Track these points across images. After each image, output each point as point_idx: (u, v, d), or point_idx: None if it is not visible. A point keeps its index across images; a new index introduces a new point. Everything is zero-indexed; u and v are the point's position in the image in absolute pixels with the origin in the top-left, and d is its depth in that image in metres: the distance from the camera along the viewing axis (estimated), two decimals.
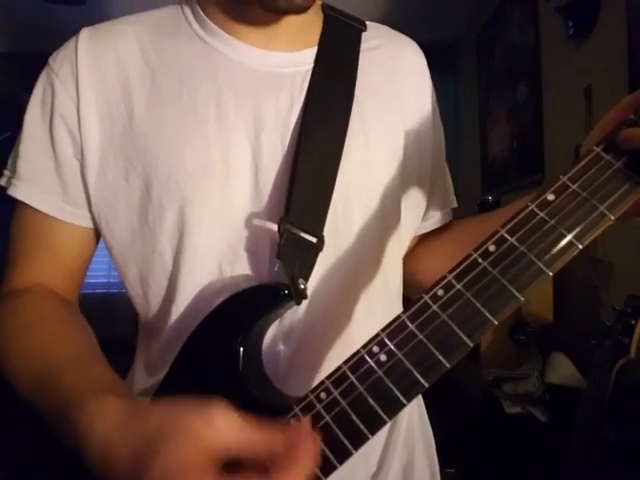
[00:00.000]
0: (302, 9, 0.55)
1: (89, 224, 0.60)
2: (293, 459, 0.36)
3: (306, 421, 0.40)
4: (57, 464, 0.55)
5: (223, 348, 0.49)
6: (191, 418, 0.37)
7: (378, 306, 0.61)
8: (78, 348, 0.52)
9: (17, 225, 0.61)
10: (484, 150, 2.85)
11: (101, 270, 3.12)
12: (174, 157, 0.55)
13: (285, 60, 0.59)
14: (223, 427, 0.37)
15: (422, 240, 0.72)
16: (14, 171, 0.59)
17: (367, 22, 0.67)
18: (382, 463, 0.62)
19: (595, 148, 0.42)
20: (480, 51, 2.91)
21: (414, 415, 0.67)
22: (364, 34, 0.65)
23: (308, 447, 0.37)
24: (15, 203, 0.60)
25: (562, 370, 1.65)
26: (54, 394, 0.46)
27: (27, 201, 0.58)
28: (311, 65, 0.59)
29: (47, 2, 2.58)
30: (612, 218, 0.40)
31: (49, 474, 0.57)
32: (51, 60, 0.59)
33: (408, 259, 0.70)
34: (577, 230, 0.40)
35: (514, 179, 2.45)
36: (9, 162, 0.60)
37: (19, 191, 0.59)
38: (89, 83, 0.57)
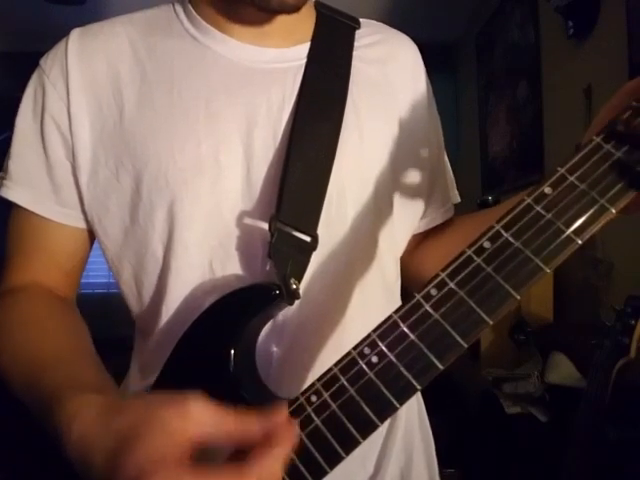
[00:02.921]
0: (295, 9, 0.55)
1: (82, 225, 0.60)
2: (269, 444, 0.36)
3: (282, 407, 0.39)
4: (56, 465, 0.55)
5: (214, 350, 0.48)
6: (164, 411, 0.37)
7: (373, 304, 0.60)
8: (66, 346, 0.52)
9: (12, 226, 0.61)
10: (484, 150, 2.85)
11: (101, 270, 3.11)
12: (164, 154, 0.54)
13: (277, 56, 0.59)
14: (197, 418, 0.37)
15: (426, 237, 0.72)
16: (7, 172, 0.59)
17: (361, 19, 0.66)
18: (379, 466, 0.61)
19: (595, 138, 0.39)
20: (480, 51, 2.91)
21: (413, 417, 0.66)
22: (358, 31, 0.64)
23: (284, 432, 0.37)
24: (11, 203, 0.60)
25: (562, 370, 1.65)
26: (38, 392, 0.46)
27: (19, 203, 0.59)
28: (303, 61, 0.59)
29: (47, 2, 2.58)
30: (613, 211, 0.38)
31: (49, 475, 0.57)
32: (42, 61, 0.59)
33: (413, 256, 0.70)
34: (576, 225, 0.38)
35: (514, 179, 2.45)
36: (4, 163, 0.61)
37: (11, 192, 0.59)
38: (79, 83, 0.57)
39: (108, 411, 0.40)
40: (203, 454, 0.37)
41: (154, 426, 0.36)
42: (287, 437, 0.37)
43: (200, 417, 0.37)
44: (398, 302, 0.67)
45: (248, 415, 0.38)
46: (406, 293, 0.67)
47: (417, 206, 0.67)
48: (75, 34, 0.59)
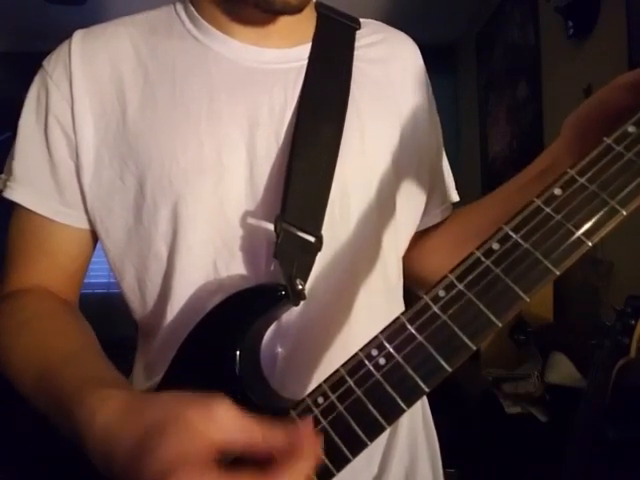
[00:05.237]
0: (297, 10, 0.55)
1: (85, 225, 0.60)
2: (294, 456, 0.35)
3: (308, 421, 0.39)
4: (58, 465, 0.55)
5: (219, 350, 0.48)
6: (191, 412, 0.37)
7: (378, 304, 0.61)
8: (78, 344, 0.52)
9: (15, 227, 0.61)
10: (484, 150, 2.85)
11: (101, 270, 3.11)
12: (167, 155, 0.54)
13: (278, 56, 0.59)
14: (223, 423, 0.37)
15: (424, 235, 0.72)
16: (10, 173, 0.59)
17: (361, 19, 0.66)
18: (384, 465, 0.61)
19: (605, 139, 0.39)
20: (480, 51, 2.91)
21: (417, 417, 0.66)
22: (359, 31, 0.64)
23: (310, 445, 0.36)
24: (13, 204, 0.60)
25: (562, 370, 1.65)
26: (54, 390, 0.46)
27: (23, 203, 0.58)
28: (305, 61, 0.59)
29: (47, 2, 2.58)
30: (624, 213, 0.37)
31: (49, 475, 0.57)
32: (45, 63, 0.59)
33: (411, 255, 0.70)
34: (586, 227, 0.37)
35: None
36: (6, 164, 0.60)
37: (15, 193, 0.59)
38: (83, 84, 0.57)
39: (131, 405, 0.41)
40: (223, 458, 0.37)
41: (180, 425, 0.36)
42: (312, 451, 0.37)
43: (225, 423, 0.37)
44: (401, 302, 0.67)
45: (272, 426, 0.37)
46: (405, 292, 0.67)
47: (419, 205, 0.68)
48: (78, 35, 0.59)
